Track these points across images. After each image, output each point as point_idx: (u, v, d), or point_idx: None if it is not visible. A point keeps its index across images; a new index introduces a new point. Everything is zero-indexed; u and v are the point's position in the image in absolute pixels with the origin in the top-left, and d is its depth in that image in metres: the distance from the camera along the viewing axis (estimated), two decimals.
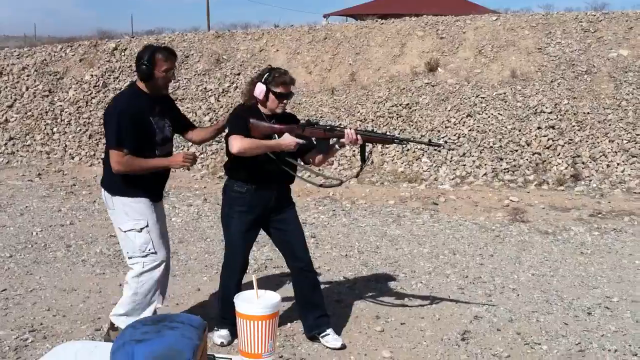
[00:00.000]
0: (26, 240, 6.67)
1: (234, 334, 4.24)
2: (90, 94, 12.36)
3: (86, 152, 11.32)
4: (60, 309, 4.85)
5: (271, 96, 3.96)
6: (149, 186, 3.94)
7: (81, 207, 8.33)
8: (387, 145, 10.25)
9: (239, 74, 12.34)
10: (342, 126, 4.03)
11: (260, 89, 3.95)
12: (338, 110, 11.24)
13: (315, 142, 4.06)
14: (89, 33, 27.37)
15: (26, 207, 8.21)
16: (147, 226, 3.88)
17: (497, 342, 4.34)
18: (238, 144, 3.82)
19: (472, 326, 4.60)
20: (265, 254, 6.21)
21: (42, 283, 5.44)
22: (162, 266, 3.97)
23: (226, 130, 4.09)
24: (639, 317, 4.80)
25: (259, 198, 4.09)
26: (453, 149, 10.10)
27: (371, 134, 4.25)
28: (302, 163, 4.26)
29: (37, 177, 10.16)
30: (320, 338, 4.26)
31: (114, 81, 12.56)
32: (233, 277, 4.16)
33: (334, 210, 8.23)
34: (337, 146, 4.11)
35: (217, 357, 1.97)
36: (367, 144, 4.06)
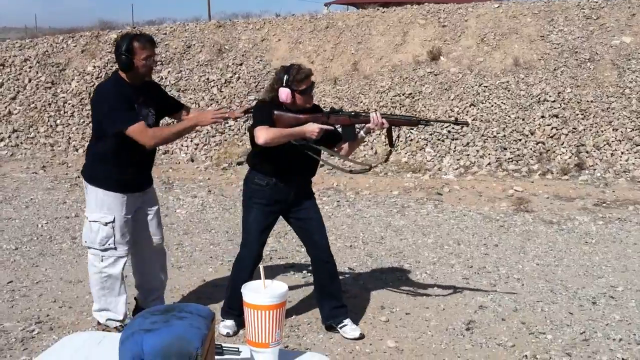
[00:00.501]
0: (32, 233, 6.69)
1: (239, 325, 4.27)
2: (93, 85, 12.33)
3: None
4: (66, 301, 4.87)
5: (297, 95, 3.95)
6: (130, 178, 3.95)
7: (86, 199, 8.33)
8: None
9: (241, 64, 12.33)
10: (366, 111, 4.03)
11: (285, 94, 3.92)
12: (341, 100, 11.22)
13: (340, 130, 4.07)
14: (89, 24, 27.35)
15: (31, 199, 8.22)
16: (112, 221, 3.90)
17: (502, 332, 4.35)
18: (264, 134, 3.81)
19: (476, 316, 4.61)
20: (270, 245, 6.22)
21: (48, 275, 5.46)
22: (122, 261, 4.00)
23: (242, 119, 4.09)
24: None
25: (280, 192, 4.10)
26: (458, 136, 10.09)
27: (396, 116, 4.25)
28: (326, 149, 4.26)
29: (41, 170, 10.17)
30: (338, 329, 4.28)
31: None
32: (246, 269, 4.16)
33: (338, 200, 8.24)
34: (362, 133, 4.11)
35: (225, 347, 1.98)
36: (393, 127, 4.06)
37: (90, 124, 11.66)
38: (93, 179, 3.95)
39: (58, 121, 11.88)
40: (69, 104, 12.10)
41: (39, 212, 7.56)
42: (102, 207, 3.90)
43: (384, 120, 3.93)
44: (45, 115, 11.98)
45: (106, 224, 3.89)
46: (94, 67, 12.67)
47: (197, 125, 4.03)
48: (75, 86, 12.37)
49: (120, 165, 3.86)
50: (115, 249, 3.94)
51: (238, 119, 10.56)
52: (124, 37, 3.85)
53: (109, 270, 3.96)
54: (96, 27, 15.83)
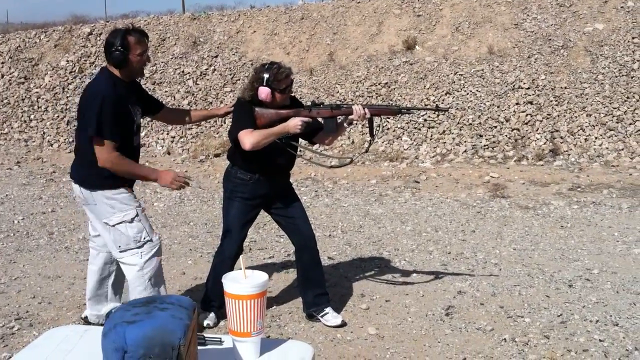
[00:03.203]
0: (8, 229, 6.63)
1: (219, 317, 4.28)
2: (67, 80, 12.24)
3: (65, 139, 11.23)
4: (45, 296, 4.84)
5: (277, 94, 3.96)
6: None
7: (62, 194, 8.28)
8: (366, 125, 10.28)
9: (216, 57, 12.27)
10: (348, 103, 4.05)
11: (265, 93, 3.91)
12: (317, 91, 11.22)
13: (323, 123, 4.09)
14: (62, 18, 26.98)
15: (6, 195, 8.15)
16: (137, 215, 3.66)
17: (481, 316, 4.40)
18: (249, 139, 3.80)
19: (455, 301, 4.65)
20: (249, 236, 6.18)
21: (26, 271, 5.42)
22: (160, 251, 3.77)
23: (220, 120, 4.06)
24: (619, 288, 4.89)
25: (262, 187, 4.11)
26: (434, 124, 10.15)
27: (377, 106, 4.28)
28: (309, 145, 4.27)
29: (16, 165, 10.07)
30: (319, 317, 4.30)
31: (90, 66, 12.43)
32: (226, 262, 4.17)
33: (317, 191, 8.26)
34: (345, 124, 4.12)
35: (207, 338, 1.99)
36: (374, 117, 4.08)
37: (64, 119, 11.51)
38: (97, 185, 3.62)
39: (32, 116, 11.76)
40: (43, 98, 11.98)
41: (14, 208, 7.50)
42: (120, 205, 3.63)
43: (367, 111, 3.95)
44: (18, 111, 11.85)
45: (132, 220, 3.63)
46: (68, 61, 12.54)
47: (155, 180, 3.70)
48: (49, 81, 12.24)
49: None
50: (151, 240, 3.69)
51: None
52: (116, 33, 3.64)
53: (150, 265, 3.67)
54: (69, 22, 15.66)
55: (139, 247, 3.66)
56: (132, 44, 3.63)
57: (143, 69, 3.80)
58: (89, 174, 3.64)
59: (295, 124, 3.88)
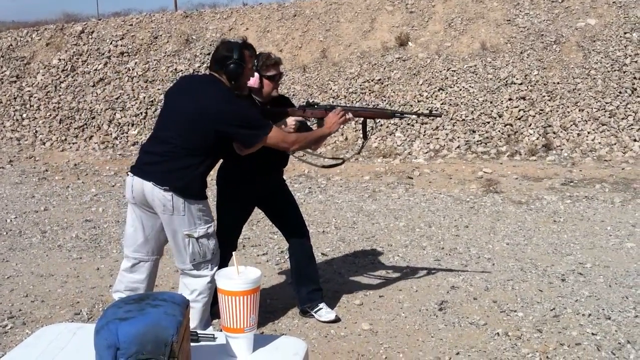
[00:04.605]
0: (0, 228, 6.61)
1: (213, 314, 4.27)
2: (59, 78, 12.19)
3: (57, 137, 11.20)
4: (38, 295, 4.83)
5: (265, 81, 3.95)
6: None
7: (55, 192, 8.26)
8: (359, 122, 10.28)
9: (209, 54, 12.24)
10: (341, 105, 4.07)
11: (254, 78, 3.92)
12: (310, 88, 11.22)
13: (316, 123, 4.09)
14: (54, 17, 26.92)
15: None
16: (214, 227, 3.64)
17: (474, 311, 4.41)
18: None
19: (449, 296, 4.67)
20: (243, 233, 6.17)
21: (19, 270, 5.41)
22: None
23: None
24: (611, 281, 4.90)
25: (256, 184, 4.09)
26: (427, 120, 10.16)
27: (372, 109, 4.32)
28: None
29: (8, 164, 10.04)
30: (313, 313, 4.31)
31: (82, 64, 12.39)
32: (220, 259, 4.16)
33: (310, 187, 8.26)
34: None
35: (200, 334, 1.99)
36: (368, 120, 4.11)
37: (57, 117, 11.42)
38: (189, 192, 3.47)
39: (24, 115, 11.72)
40: (35, 97, 11.94)
41: (7, 207, 7.47)
42: (205, 217, 3.56)
43: (360, 114, 4.00)
44: (10, 110, 11.81)
45: (214, 232, 3.61)
46: (60, 60, 12.50)
47: (329, 134, 3.89)
48: (41, 79, 12.20)
49: (206, 174, 3.57)
50: (218, 250, 3.68)
51: None
52: (231, 45, 3.56)
53: (214, 276, 3.66)
54: (60, 20, 15.60)
55: (211, 260, 3.60)
56: (247, 58, 3.58)
57: (247, 84, 3.75)
58: (189, 182, 3.47)
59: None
